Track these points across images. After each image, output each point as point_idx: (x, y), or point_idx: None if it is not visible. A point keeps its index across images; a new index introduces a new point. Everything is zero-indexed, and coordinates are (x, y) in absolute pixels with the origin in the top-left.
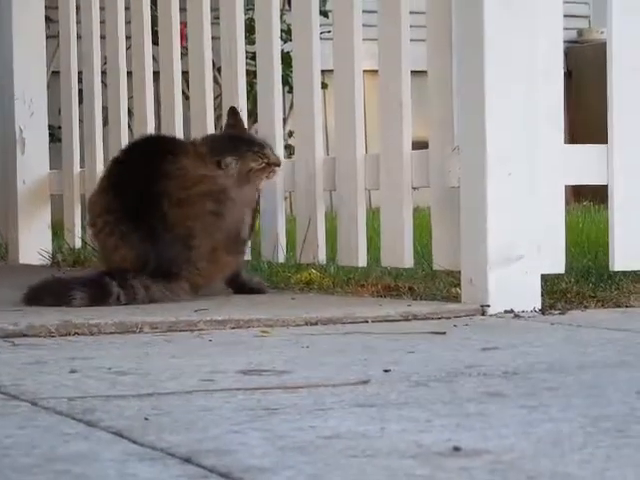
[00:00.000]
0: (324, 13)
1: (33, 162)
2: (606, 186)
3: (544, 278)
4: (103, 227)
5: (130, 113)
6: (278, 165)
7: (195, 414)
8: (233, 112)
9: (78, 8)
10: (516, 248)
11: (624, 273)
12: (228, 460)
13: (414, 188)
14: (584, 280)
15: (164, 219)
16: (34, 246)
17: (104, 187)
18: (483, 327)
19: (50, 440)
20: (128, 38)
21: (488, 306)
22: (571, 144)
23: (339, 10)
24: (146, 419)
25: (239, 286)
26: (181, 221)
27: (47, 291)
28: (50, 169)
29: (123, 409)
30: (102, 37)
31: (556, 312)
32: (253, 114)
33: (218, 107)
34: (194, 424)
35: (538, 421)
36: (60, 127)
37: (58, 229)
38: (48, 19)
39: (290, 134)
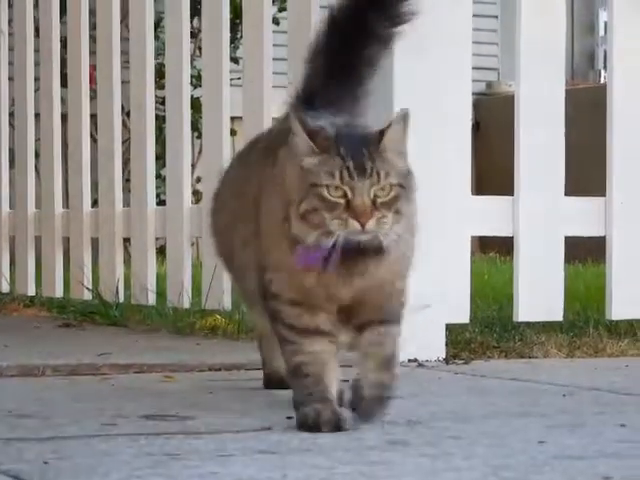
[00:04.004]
0: (235, 60)
1: None
2: (512, 238)
3: (448, 328)
4: None
5: (37, 155)
6: None
7: (96, 458)
8: None
9: None
10: (421, 297)
11: (528, 324)
12: None
13: None
14: (488, 330)
15: None
16: None
17: None
18: None
19: None
20: (37, 80)
21: None
22: (477, 195)
23: (250, 57)
24: (45, 463)
25: None
26: None
27: None
28: None
29: (23, 452)
30: (10, 79)
31: (460, 362)
32: (162, 158)
33: (126, 151)
34: (95, 469)
35: (441, 470)
36: None
37: None
38: None
39: (198, 180)
